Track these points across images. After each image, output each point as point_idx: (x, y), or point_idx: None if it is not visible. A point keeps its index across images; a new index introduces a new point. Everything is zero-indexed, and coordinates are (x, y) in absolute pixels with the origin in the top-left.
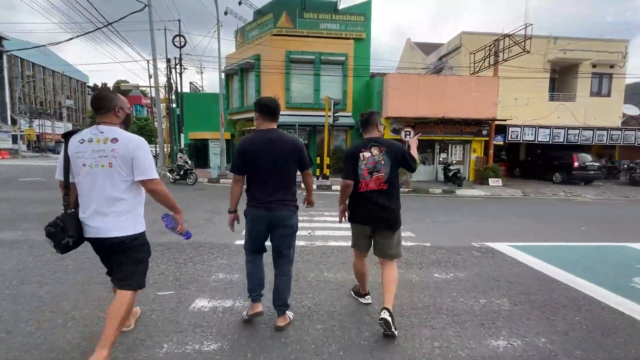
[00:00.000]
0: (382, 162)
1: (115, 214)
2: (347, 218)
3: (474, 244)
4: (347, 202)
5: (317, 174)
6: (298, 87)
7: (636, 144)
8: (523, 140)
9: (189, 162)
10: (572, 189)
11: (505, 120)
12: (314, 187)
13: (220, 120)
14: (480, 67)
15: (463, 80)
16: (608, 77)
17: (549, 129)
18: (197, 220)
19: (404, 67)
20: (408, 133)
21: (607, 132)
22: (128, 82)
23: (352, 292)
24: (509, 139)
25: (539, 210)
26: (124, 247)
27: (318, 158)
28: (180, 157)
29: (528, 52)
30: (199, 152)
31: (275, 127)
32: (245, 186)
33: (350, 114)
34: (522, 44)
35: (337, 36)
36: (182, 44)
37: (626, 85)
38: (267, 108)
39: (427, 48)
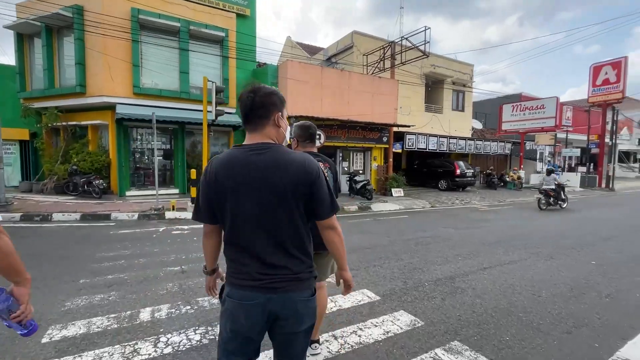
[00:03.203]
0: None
1: None
2: None
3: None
4: None
5: (193, 196)
6: (154, 67)
7: (482, 153)
8: (417, 149)
9: None
10: (459, 196)
11: (409, 126)
12: None
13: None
14: (374, 70)
15: (366, 80)
16: (462, 94)
17: (436, 138)
18: None
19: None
20: (318, 137)
21: (474, 142)
22: None
23: None
24: (407, 146)
25: (482, 229)
26: None
27: (193, 171)
28: None
29: (427, 55)
30: None
31: (269, 140)
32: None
33: (234, 110)
34: (423, 47)
35: (214, 5)
36: None
37: (473, 102)
38: (250, 105)
39: (310, 49)
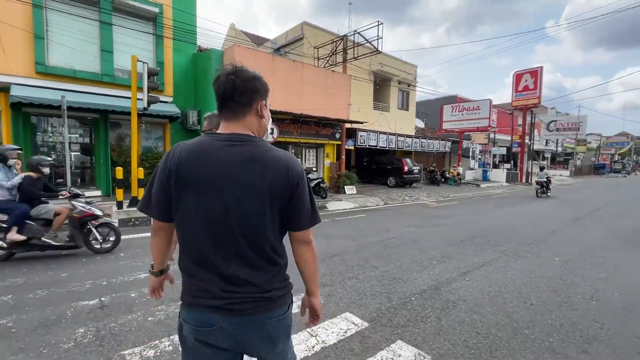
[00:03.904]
0: None
1: None
2: None
3: None
4: None
5: (120, 199)
6: (66, 41)
7: (426, 150)
8: (369, 146)
9: None
10: (408, 192)
11: (362, 123)
12: None
13: None
14: (325, 64)
15: (319, 73)
16: (407, 94)
17: (385, 135)
18: None
19: (227, 62)
20: (271, 131)
21: (419, 140)
22: None
23: None
24: (359, 143)
25: (442, 227)
26: None
27: (119, 169)
28: None
29: (380, 51)
30: None
31: (249, 131)
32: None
33: (170, 98)
34: (376, 42)
35: None
36: None
37: (416, 102)
38: (231, 89)
39: (256, 40)
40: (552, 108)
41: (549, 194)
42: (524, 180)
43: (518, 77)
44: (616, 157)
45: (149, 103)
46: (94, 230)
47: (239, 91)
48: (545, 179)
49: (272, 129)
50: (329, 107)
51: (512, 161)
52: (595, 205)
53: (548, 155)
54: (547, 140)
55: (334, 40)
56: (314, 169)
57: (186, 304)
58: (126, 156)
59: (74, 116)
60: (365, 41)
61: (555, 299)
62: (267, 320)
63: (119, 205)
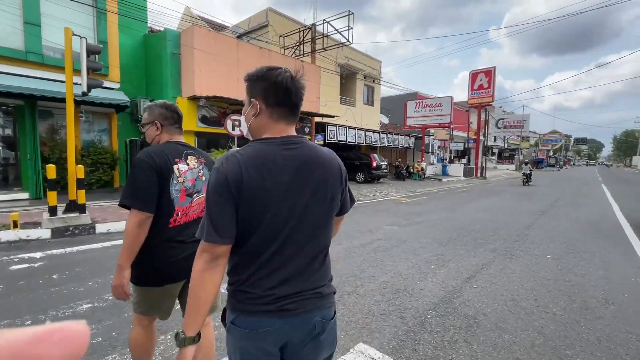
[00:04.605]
0: (203, 178)
1: None
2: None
3: None
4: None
5: (53, 203)
6: None
7: (392, 145)
8: (338, 141)
9: None
10: (377, 188)
11: (333, 116)
12: None
13: None
14: (292, 54)
15: (288, 62)
16: (372, 89)
17: (354, 130)
18: None
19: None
20: (239, 124)
21: (386, 135)
22: None
23: None
24: (328, 138)
25: (423, 224)
26: None
27: (50, 167)
28: None
29: (351, 42)
30: None
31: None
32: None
33: (117, 85)
34: (347, 33)
35: None
36: None
37: (381, 98)
38: (300, 90)
39: (214, 26)
40: (500, 107)
41: (530, 183)
42: (479, 174)
43: (474, 76)
44: (550, 153)
45: (90, 87)
46: None
47: (303, 95)
48: (529, 171)
49: (237, 121)
50: None
51: (467, 156)
52: (551, 198)
53: (496, 150)
54: (495, 136)
55: (301, 29)
56: None
57: (243, 312)
58: (60, 151)
59: None
60: (335, 31)
61: (573, 305)
62: (327, 316)
63: (52, 210)
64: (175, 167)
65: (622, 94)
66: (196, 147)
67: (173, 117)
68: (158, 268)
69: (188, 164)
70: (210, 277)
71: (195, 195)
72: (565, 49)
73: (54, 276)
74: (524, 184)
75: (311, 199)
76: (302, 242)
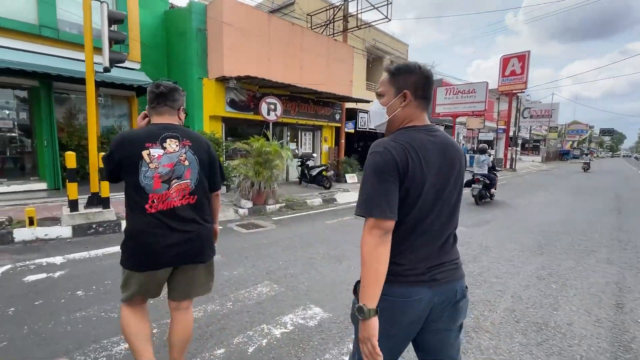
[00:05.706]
0: (186, 162)
1: None
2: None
3: None
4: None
5: (73, 197)
6: None
7: None
8: (370, 129)
9: None
10: None
11: (369, 101)
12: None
13: None
14: (323, 31)
15: (321, 41)
16: None
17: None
18: None
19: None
20: (274, 107)
21: None
22: None
23: None
24: (360, 126)
25: (493, 226)
26: None
27: (69, 155)
28: None
29: (389, 19)
30: None
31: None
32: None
33: (138, 65)
34: (385, 9)
35: None
36: None
37: None
38: (431, 81)
39: None
40: (527, 96)
41: (589, 170)
42: (508, 166)
43: (505, 61)
44: (575, 144)
45: (112, 62)
46: None
47: (429, 75)
48: (589, 160)
49: (274, 104)
50: (331, 82)
51: (493, 147)
52: (611, 194)
53: (520, 141)
54: (520, 126)
55: (331, 6)
56: (313, 155)
57: (396, 283)
58: (80, 138)
59: (2, 82)
60: (372, 7)
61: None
62: (462, 284)
63: (72, 205)
64: (145, 152)
65: None
66: (188, 128)
67: (151, 98)
68: (137, 254)
69: (165, 148)
70: (384, 250)
71: (174, 182)
72: (586, 35)
73: (78, 293)
74: (585, 171)
75: (452, 181)
76: (444, 219)
